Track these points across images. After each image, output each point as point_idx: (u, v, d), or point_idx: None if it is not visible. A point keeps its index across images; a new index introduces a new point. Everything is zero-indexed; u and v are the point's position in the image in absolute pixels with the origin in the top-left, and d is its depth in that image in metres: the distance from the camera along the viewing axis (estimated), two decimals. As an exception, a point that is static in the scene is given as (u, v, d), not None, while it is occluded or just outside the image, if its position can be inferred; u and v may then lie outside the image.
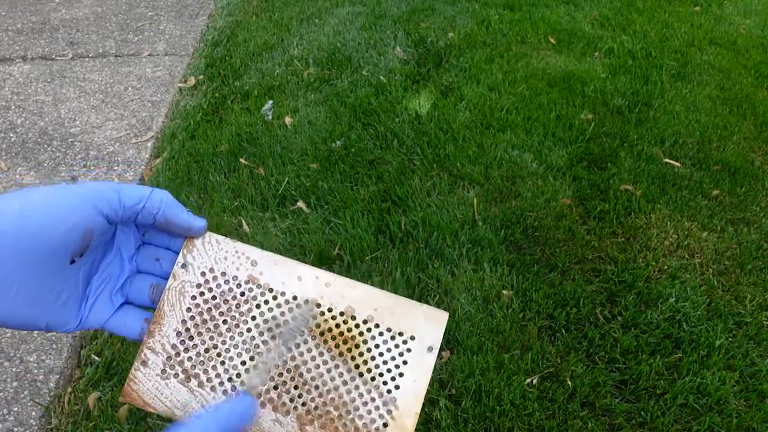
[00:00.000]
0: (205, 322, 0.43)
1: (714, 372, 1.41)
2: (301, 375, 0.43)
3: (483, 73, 2.47)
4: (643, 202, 1.87)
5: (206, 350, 0.43)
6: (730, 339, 1.49)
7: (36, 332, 1.51)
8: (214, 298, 0.44)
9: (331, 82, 2.46)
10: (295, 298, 0.44)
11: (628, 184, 1.93)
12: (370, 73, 2.50)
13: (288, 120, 2.24)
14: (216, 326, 0.43)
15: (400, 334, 0.44)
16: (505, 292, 1.58)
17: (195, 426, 0.36)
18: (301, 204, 1.86)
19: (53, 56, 2.70)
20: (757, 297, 1.60)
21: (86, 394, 1.38)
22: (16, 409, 1.35)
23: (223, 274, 0.44)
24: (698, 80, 2.50)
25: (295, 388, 0.43)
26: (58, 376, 1.41)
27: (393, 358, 0.43)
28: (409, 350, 0.44)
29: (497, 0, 3.07)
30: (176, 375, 0.43)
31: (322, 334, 0.43)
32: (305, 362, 0.43)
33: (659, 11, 3.05)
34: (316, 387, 0.43)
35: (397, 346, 0.44)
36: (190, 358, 0.43)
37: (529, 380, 1.39)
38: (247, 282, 0.44)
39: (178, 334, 0.43)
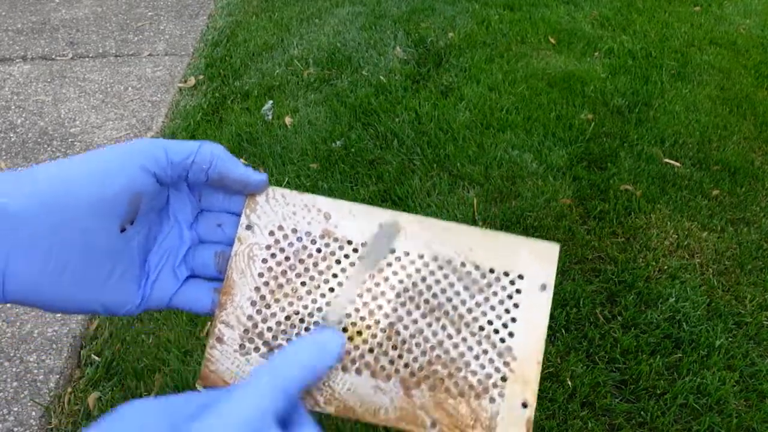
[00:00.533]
0: (281, 286, 0.38)
1: (714, 372, 1.41)
2: (398, 333, 0.38)
3: (483, 73, 2.47)
4: (643, 202, 1.87)
5: (287, 317, 0.38)
6: (730, 339, 1.49)
7: (36, 333, 1.51)
8: (287, 258, 0.39)
9: (331, 82, 2.46)
10: None
11: (628, 184, 1.93)
12: (370, 73, 2.50)
13: (288, 120, 2.24)
14: (294, 290, 0.38)
15: (506, 274, 0.39)
16: (505, 292, 1.58)
17: (243, 395, 0.29)
18: (301, 204, 1.86)
19: (53, 56, 2.70)
20: (757, 297, 1.60)
21: (86, 394, 1.38)
22: (16, 409, 1.35)
23: (294, 231, 0.39)
24: (698, 80, 2.50)
25: (393, 348, 0.38)
26: (58, 376, 1.41)
27: (501, 302, 0.38)
28: (518, 291, 0.38)
29: (497, 0, 3.07)
30: (257, 348, 0.38)
31: (415, 285, 0.38)
32: (400, 318, 0.38)
33: (659, 11, 3.05)
34: (417, 345, 0.38)
35: (504, 288, 0.38)
36: (270, 328, 0.38)
37: (529, 380, 1.39)
38: (322, 237, 0.39)
39: (253, 303, 0.38)
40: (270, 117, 2.28)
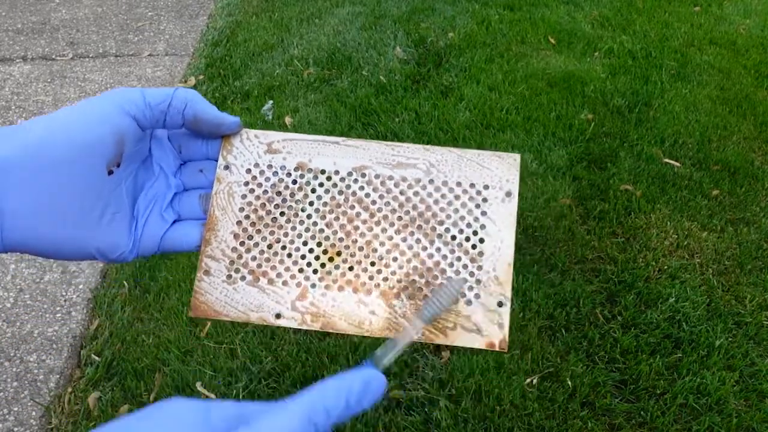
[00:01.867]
0: (261, 218, 0.41)
1: (714, 372, 1.41)
2: (375, 250, 0.40)
3: (483, 73, 2.47)
4: (643, 202, 1.87)
5: (269, 246, 0.41)
6: (730, 339, 1.49)
7: (36, 333, 1.51)
8: (265, 192, 0.42)
9: (331, 82, 2.47)
10: (350, 174, 0.41)
11: (628, 184, 1.93)
12: (370, 73, 2.50)
13: (288, 120, 2.24)
14: (274, 220, 0.41)
15: (472, 185, 0.41)
16: (505, 292, 1.58)
17: (278, 417, 0.30)
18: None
19: (53, 56, 2.70)
20: (757, 297, 1.60)
21: (86, 394, 1.38)
22: (16, 409, 1.35)
23: (270, 166, 0.42)
24: (698, 80, 2.50)
25: (372, 264, 0.40)
26: (58, 376, 1.41)
27: (470, 212, 0.41)
28: (485, 200, 0.41)
29: (497, 0, 3.07)
30: (243, 277, 0.40)
31: (387, 204, 0.41)
32: (376, 236, 0.40)
33: (659, 11, 3.05)
34: (395, 259, 0.40)
35: (471, 198, 0.41)
36: (254, 258, 0.41)
37: (529, 380, 1.39)
38: (296, 169, 0.42)
39: (236, 236, 0.41)
40: (270, 117, 2.28)
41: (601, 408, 1.35)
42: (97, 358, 1.46)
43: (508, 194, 0.41)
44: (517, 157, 0.41)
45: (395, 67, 2.53)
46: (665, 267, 1.67)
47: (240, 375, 1.39)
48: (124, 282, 1.64)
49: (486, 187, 0.41)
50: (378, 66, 2.54)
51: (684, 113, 2.28)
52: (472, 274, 0.40)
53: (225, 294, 0.40)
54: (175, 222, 0.42)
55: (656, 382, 1.39)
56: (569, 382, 1.39)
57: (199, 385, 1.37)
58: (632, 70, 2.54)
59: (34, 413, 1.34)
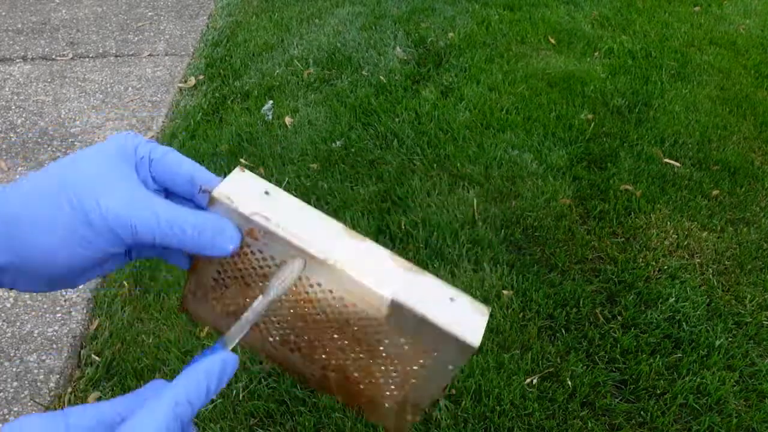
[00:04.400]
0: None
1: (714, 372, 1.41)
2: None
3: (483, 73, 2.47)
4: (643, 202, 1.87)
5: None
6: (730, 339, 1.49)
7: (36, 333, 1.51)
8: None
9: (331, 82, 2.46)
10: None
11: (628, 184, 1.93)
12: (370, 73, 2.50)
13: (288, 120, 2.24)
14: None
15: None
16: (505, 292, 1.58)
17: (143, 417, 0.31)
18: (301, 204, 1.86)
19: (53, 56, 2.70)
20: (757, 297, 1.60)
21: (86, 394, 1.38)
22: (16, 409, 1.35)
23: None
24: (698, 80, 2.50)
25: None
26: (58, 376, 1.41)
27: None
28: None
29: (497, 0, 3.07)
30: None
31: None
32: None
33: (659, 11, 3.05)
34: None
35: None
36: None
37: (529, 380, 1.39)
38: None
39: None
40: (270, 117, 2.28)
41: (601, 408, 1.35)
42: (97, 358, 1.46)
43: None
44: (477, 341, 0.37)
45: (395, 67, 2.53)
46: (665, 267, 1.67)
47: (240, 375, 1.39)
48: (124, 282, 1.64)
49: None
50: (378, 66, 2.54)
51: (684, 113, 2.28)
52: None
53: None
54: None
55: (656, 382, 1.39)
56: (569, 382, 1.39)
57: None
58: (632, 70, 2.54)
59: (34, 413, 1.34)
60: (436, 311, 0.38)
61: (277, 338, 0.43)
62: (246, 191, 0.40)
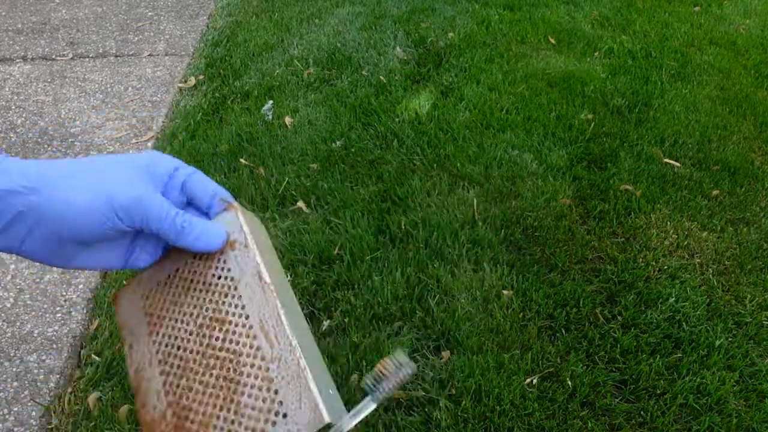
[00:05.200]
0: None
1: (714, 372, 1.41)
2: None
3: (483, 73, 2.47)
4: (643, 202, 1.87)
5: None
6: (730, 339, 1.49)
7: (36, 333, 1.51)
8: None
9: (331, 82, 2.46)
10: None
11: (628, 184, 1.93)
12: (370, 73, 2.50)
13: (288, 120, 2.24)
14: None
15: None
16: (505, 292, 1.58)
17: None
18: (301, 204, 1.86)
19: (53, 56, 2.70)
20: (757, 297, 1.60)
21: (86, 394, 1.38)
22: (16, 409, 1.35)
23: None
24: (698, 80, 2.50)
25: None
26: (58, 376, 1.41)
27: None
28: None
29: (497, 0, 3.07)
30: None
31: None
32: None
33: (659, 11, 3.05)
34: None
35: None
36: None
37: (529, 380, 1.39)
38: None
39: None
40: (270, 117, 2.28)
41: (601, 408, 1.35)
42: (97, 358, 1.46)
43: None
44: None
45: (395, 67, 2.53)
46: (665, 267, 1.67)
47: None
48: (124, 282, 1.63)
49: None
50: (378, 66, 2.54)
51: (684, 113, 2.28)
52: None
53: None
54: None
55: (656, 382, 1.39)
56: (569, 382, 1.39)
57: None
58: (632, 70, 2.54)
59: (34, 413, 1.34)
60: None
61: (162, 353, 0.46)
62: (251, 218, 0.48)
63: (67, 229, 0.41)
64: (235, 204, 0.48)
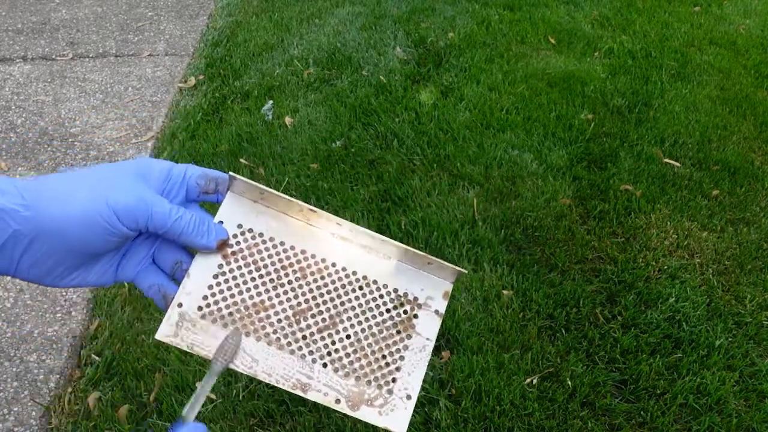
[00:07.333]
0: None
1: (714, 372, 1.41)
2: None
3: (483, 73, 2.47)
4: (643, 202, 1.87)
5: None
6: (730, 339, 1.49)
7: (36, 333, 1.51)
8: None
9: (331, 82, 2.46)
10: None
11: (628, 184, 1.93)
12: (370, 73, 2.50)
13: (288, 120, 2.24)
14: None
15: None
16: (505, 292, 1.58)
17: None
18: (301, 204, 1.86)
19: (53, 56, 2.70)
20: (757, 297, 1.60)
21: (86, 394, 1.38)
22: (16, 409, 1.35)
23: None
24: (698, 80, 2.50)
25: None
26: (58, 376, 1.41)
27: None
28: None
29: (497, 0, 3.07)
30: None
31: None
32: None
33: (659, 11, 3.05)
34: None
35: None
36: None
37: (529, 380, 1.39)
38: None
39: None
40: (270, 117, 2.28)
41: (601, 408, 1.35)
42: (97, 358, 1.46)
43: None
44: (450, 286, 0.51)
45: (395, 67, 2.53)
46: (665, 267, 1.67)
47: (240, 375, 1.39)
48: (124, 282, 1.63)
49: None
50: (378, 66, 2.54)
51: (684, 113, 2.28)
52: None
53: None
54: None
55: (656, 382, 1.39)
56: (569, 382, 1.39)
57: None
58: (632, 70, 2.54)
59: (34, 413, 1.34)
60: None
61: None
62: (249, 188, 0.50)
63: (66, 242, 0.42)
64: (233, 188, 0.50)
